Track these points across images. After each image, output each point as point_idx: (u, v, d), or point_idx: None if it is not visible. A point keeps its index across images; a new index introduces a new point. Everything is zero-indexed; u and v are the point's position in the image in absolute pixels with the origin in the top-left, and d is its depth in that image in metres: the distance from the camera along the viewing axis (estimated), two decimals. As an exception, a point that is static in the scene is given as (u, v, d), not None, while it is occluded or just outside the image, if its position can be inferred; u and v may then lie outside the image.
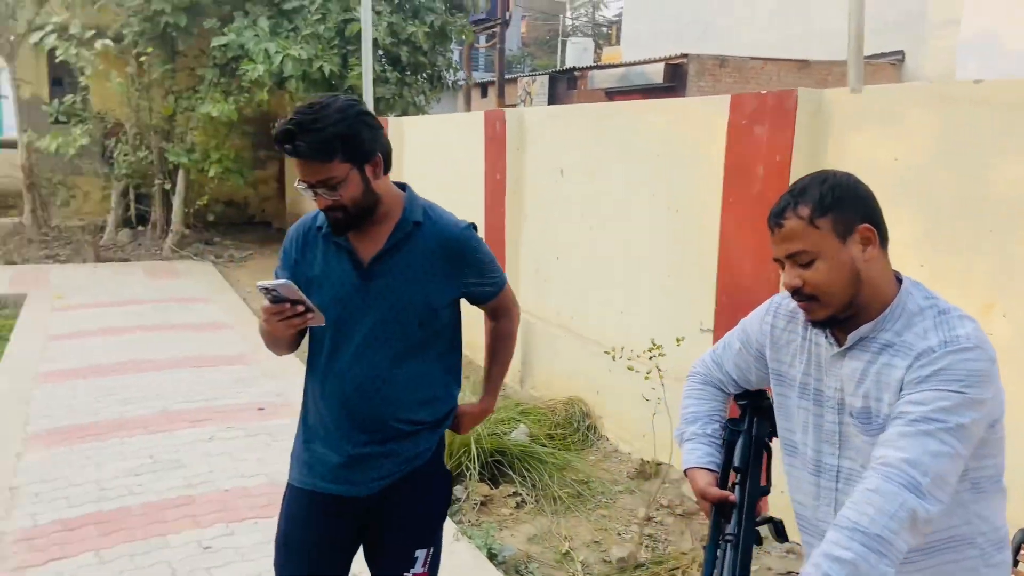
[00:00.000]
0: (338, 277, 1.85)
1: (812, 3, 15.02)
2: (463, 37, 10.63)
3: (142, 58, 10.22)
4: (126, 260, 10.25)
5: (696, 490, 1.60)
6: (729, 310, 3.75)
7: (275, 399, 5.00)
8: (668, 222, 4.16)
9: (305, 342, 1.97)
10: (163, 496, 3.66)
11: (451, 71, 10.76)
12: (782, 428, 1.63)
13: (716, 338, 3.81)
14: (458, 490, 3.86)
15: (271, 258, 10.62)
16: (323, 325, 1.77)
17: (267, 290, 1.65)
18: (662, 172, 4.18)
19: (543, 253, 5.34)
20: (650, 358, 3.65)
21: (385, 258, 1.84)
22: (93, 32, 9.97)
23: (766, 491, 1.61)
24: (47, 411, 4.73)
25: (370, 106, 5.99)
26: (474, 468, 3.91)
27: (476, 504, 3.76)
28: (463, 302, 2.00)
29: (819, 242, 1.41)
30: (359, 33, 9.14)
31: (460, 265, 1.90)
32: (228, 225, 12.29)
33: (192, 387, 5.20)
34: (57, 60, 10.44)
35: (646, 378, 3.69)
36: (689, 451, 1.67)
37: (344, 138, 1.70)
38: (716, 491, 1.56)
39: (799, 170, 3.31)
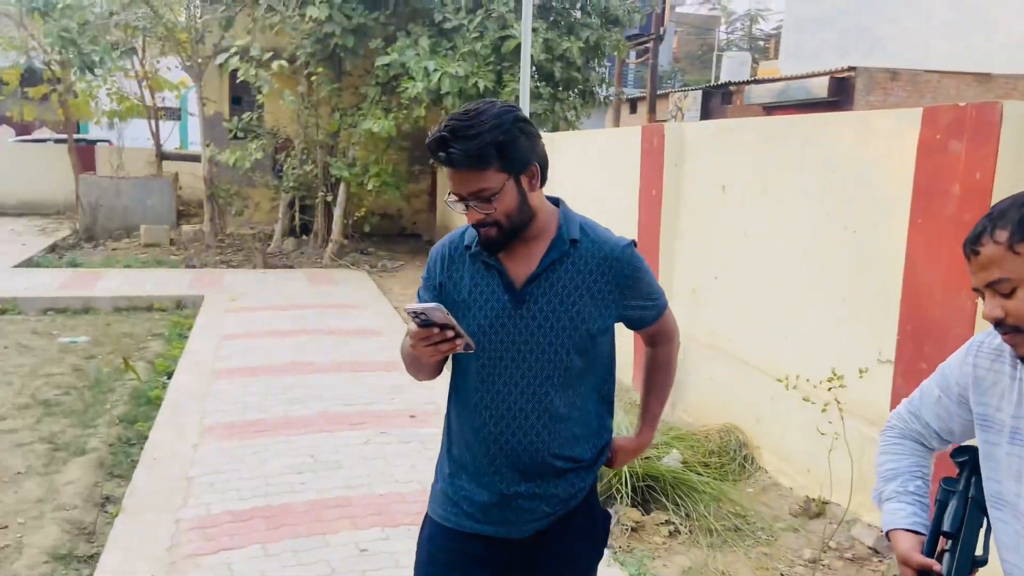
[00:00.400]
0: (488, 301, 1.72)
1: (993, 12, 13.86)
2: (616, 52, 10.56)
3: (312, 78, 10.85)
4: (290, 267, 10.87)
5: (898, 554, 1.46)
6: (913, 341, 3.44)
7: (426, 407, 5.10)
8: (843, 243, 3.89)
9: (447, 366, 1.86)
10: (323, 495, 3.79)
11: (603, 86, 10.72)
12: (989, 479, 1.45)
13: (897, 371, 3.51)
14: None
15: (421, 269, 10.91)
16: (473, 351, 1.63)
17: (416, 314, 1.54)
18: (838, 190, 3.92)
19: (700, 272, 5.14)
20: (829, 389, 3.40)
21: (540, 280, 1.70)
22: (270, 54, 10.70)
23: (983, 562, 1.42)
24: (221, 406, 5.04)
25: None
26: (625, 492, 3.79)
27: (627, 529, 3.64)
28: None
29: (1020, 269, 1.27)
30: (514, 50, 9.31)
31: (622, 287, 1.74)
32: (382, 236, 12.80)
33: (350, 390, 5.40)
34: (238, 80, 11.28)
35: (823, 411, 3.44)
36: (891, 511, 1.53)
37: (500, 145, 1.58)
38: (921, 557, 1.41)
39: (1003, 190, 2.99)
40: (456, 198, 1.64)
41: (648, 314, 1.82)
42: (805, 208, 4.15)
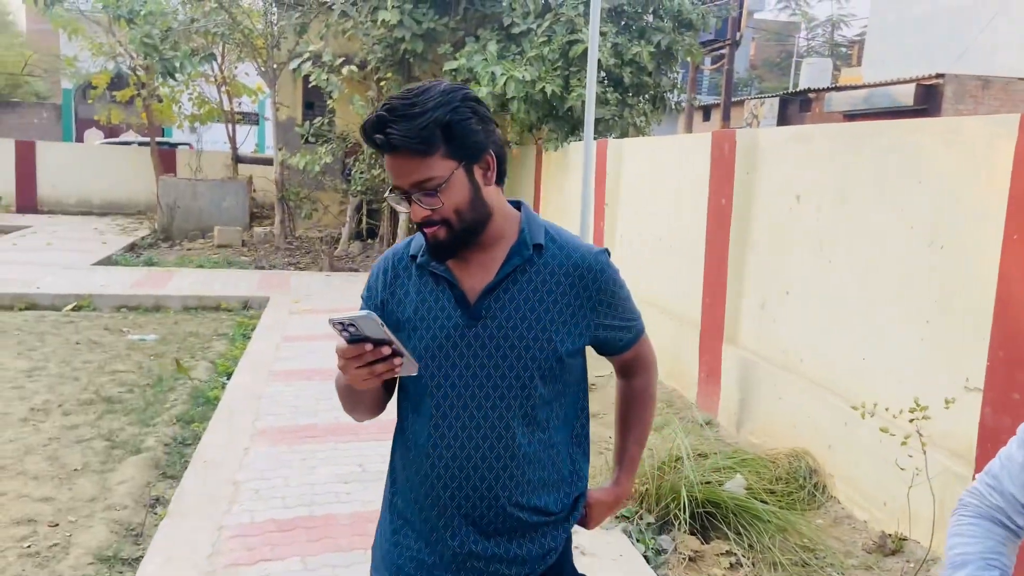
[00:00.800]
0: (437, 319, 1.45)
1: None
2: (688, 58, 10.27)
3: (382, 83, 10.92)
4: (355, 270, 10.94)
5: None
6: (1006, 367, 3.13)
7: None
8: (929, 260, 3.58)
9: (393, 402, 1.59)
10: (368, 507, 3.69)
11: (675, 92, 10.44)
12: None
13: (986, 400, 3.20)
14: (665, 540, 3.55)
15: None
16: (415, 375, 1.36)
17: (342, 326, 1.23)
18: (925, 201, 3.62)
19: (771, 286, 4.87)
20: (911, 420, 3.11)
21: (497, 292, 1.44)
22: (342, 59, 10.81)
23: None
24: (274, 409, 5.03)
25: (589, 127, 5.88)
26: (683, 518, 3.57)
27: (684, 559, 3.42)
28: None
29: None
30: (583, 54, 9.13)
31: (594, 301, 1.48)
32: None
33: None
34: (310, 85, 11.44)
35: (903, 443, 3.16)
36: None
37: (447, 126, 1.34)
38: None
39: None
40: (398, 193, 1.39)
41: (623, 337, 1.57)
42: (887, 220, 3.85)
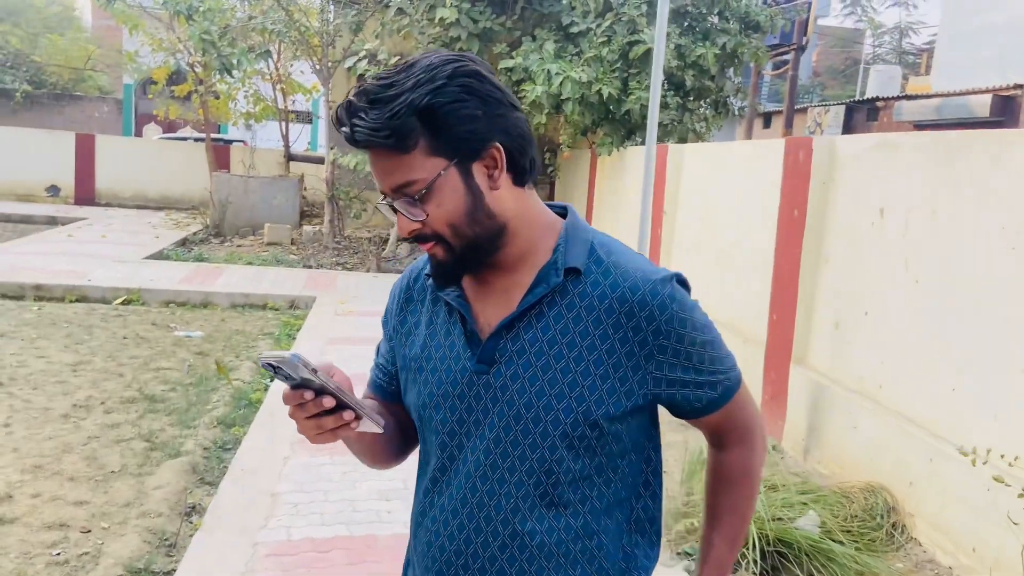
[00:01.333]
0: (444, 359, 1.14)
1: None
2: (754, 61, 9.89)
3: (435, 82, 10.75)
4: (401, 272, 10.81)
5: None
6: None
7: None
8: (1037, 283, 3.23)
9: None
10: (408, 528, 3.47)
11: (738, 97, 10.07)
12: None
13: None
14: (730, 582, 3.25)
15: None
16: (380, 431, 1.08)
17: (270, 367, 0.99)
18: (1034, 219, 3.26)
19: (847, 306, 4.52)
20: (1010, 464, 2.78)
21: (517, 330, 1.09)
22: (397, 57, 10.68)
23: None
24: (317, 416, 4.85)
25: (653, 131, 5.57)
26: (752, 557, 3.27)
27: (752, 604, 3.12)
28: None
29: None
30: (643, 56, 8.85)
31: (650, 347, 1.08)
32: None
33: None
34: (364, 84, 11.35)
35: (1020, 496, 2.81)
36: None
37: (427, 112, 1.00)
38: None
39: None
40: (382, 198, 1.08)
41: (704, 396, 1.13)
42: (988, 239, 3.49)
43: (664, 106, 9.01)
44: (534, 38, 9.83)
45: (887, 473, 4.00)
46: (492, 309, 1.11)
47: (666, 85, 9.16)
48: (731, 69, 9.50)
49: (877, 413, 4.14)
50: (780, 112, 16.62)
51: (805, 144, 4.90)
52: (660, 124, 9.04)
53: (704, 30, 9.33)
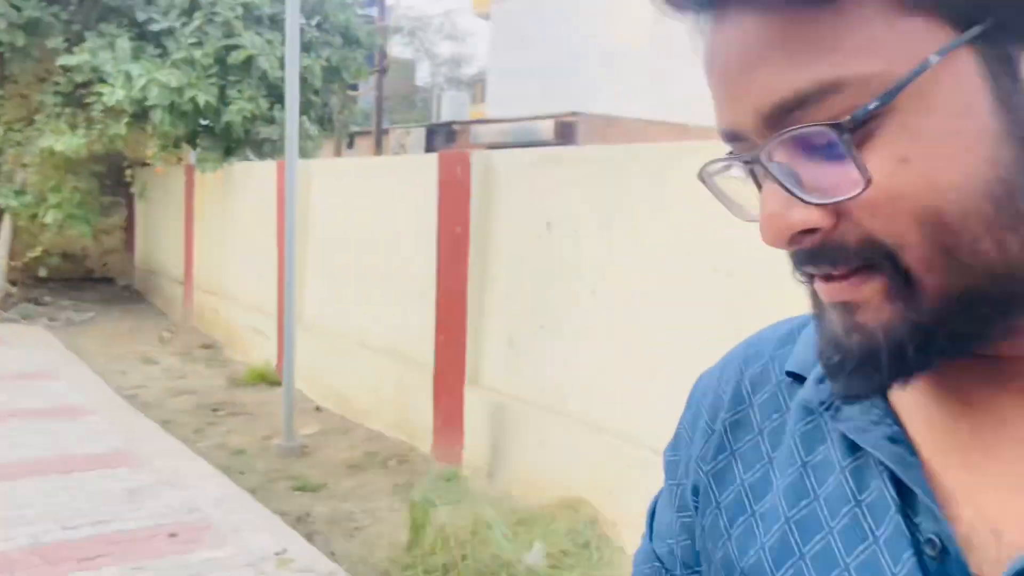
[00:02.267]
0: None
1: (681, 71, 15.46)
2: (355, 78, 9.71)
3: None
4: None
5: None
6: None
7: (187, 518, 3.75)
8: (714, 288, 3.48)
9: None
10: None
11: (344, 113, 9.79)
12: None
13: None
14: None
15: (118, 321, 8.99)
16: None
17: None
18: (708, 228, 3.51)
19: (520, 322, 4.50)
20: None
21: None
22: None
23: None
24: None
25: (293, 147, 5.11)
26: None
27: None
28: None
29: None
30: (244, 63, 8.05)
31: None
32: (63, 281, 10.43)
33: (68, 504, 3.81)
34: None
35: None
36: None
37: None
38: None
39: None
40: (733, 155, 0.44)
41: None
42: (665, 248, 3.69)
43: (270, 120, 8.31)
44: (101, 34, 8.31)
45: (585, 484, 4.03)
46: (994, 492, 0.42)
47: (269, 96, 8.46)
48: (336, 84, 9.17)
49: (564, 425, 4.16)
50: (363, 132, 16.86)
51: (463, 159, 4.78)
52: (268, 140, 8.32)
53: (305, 41, 8.85)
